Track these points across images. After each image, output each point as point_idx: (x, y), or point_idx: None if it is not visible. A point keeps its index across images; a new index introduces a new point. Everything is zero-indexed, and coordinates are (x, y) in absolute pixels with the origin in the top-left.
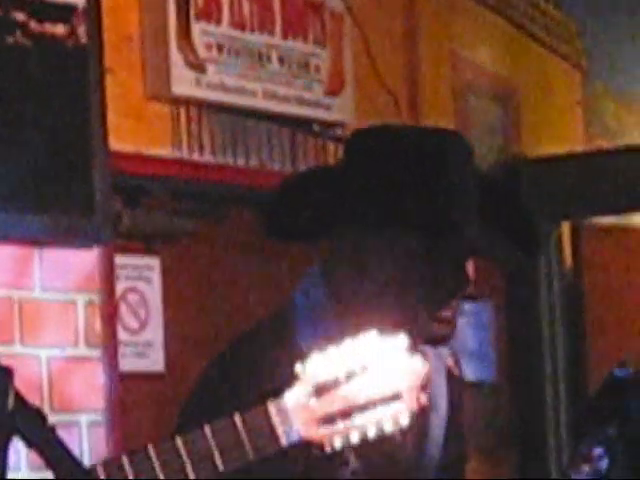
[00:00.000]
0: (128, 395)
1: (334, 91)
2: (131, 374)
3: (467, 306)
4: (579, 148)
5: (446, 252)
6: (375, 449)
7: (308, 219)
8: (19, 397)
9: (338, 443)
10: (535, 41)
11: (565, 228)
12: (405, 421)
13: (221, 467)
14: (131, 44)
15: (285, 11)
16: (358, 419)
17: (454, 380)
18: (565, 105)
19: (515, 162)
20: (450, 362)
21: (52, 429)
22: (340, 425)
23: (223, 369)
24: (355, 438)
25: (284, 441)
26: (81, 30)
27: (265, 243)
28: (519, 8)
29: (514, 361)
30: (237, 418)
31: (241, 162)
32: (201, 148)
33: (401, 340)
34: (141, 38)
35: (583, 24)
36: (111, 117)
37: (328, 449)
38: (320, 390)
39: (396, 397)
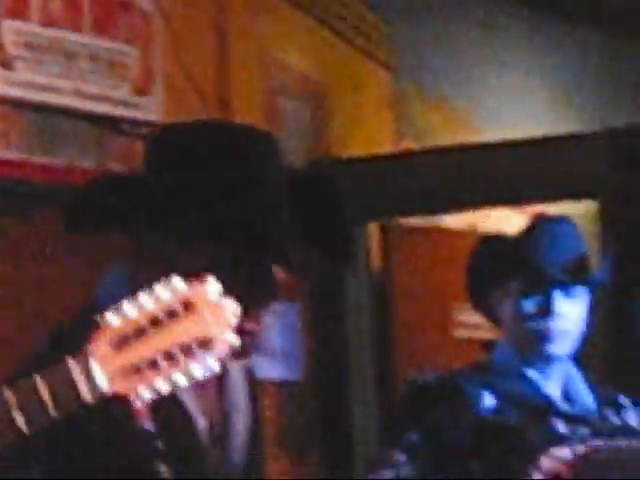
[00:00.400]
0: None
1: (143, 90)
2: None
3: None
4: (388, 149)
5: (252, 263)
6: (182, 455)
7: (110, 218)
8: None
9: (147, 394)
10: (345, 42)
11: (373, 228)
12: (216, 367)
13: (26, 430)
14: None
15: (94, 10)
16: (166, 368)
17: (252, 380)
18: (375, 106)
19: (325, 163)
20: (247, 363)
21: None
22: (148, 375)
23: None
24: (165, 388)
25: (88, 397)
26: None
27: (73, 241)
28: (330, 9)
29: (321, 361)
30: (37, 378)
31: (49, 160)
32: (9, 145)
33: (210, 285)
34: None
35: (393, 25)
36: None
37: (137, 402)
38: (122, 340)
39: (206, 342)
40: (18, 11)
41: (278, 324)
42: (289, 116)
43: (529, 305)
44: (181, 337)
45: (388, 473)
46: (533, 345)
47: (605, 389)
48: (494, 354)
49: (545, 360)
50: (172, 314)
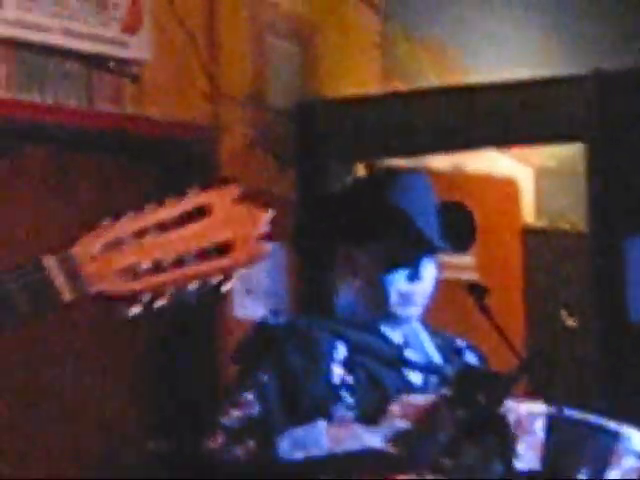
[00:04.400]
0: None
1: (131, 29)
2: None
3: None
4: (376, 90)
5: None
6: None
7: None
8: None
9: (148, 297)
10: None
11: (360, 168)
12: (236, 273)
13: None
14: None
15: None
16: (174, 271)
17: None
18: (363, 46)
19: (312, 102)
20: None
21: None
22: (152, 278)
23: None
24: (171, 291)
25: (67, 295)
26: None
27: (58, 180)
28: None
29: (307, 301)
30: (7, 275)
31: (37, 98)
32: None
33: (228, 188)
34: None
35: None
36: None
37: (138, 305)
38: (119, 242)
39: (226, 247)
40: None
41: (264, 264)
42: (277, 55)
43: (396, 268)
44: (193, 241)
45: (237, 413)
46: (392, 306)
47: (442, 335)
48: (338, 303)
49: (400, 319)
50: (186, 219)
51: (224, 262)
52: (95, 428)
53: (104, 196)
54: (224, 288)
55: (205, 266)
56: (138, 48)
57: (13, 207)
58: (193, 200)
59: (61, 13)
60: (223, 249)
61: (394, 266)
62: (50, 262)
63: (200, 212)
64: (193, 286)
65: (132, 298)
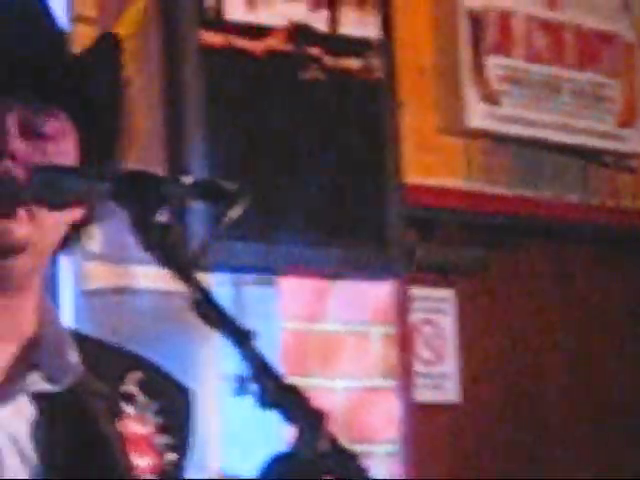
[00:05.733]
0: (423, 426)
1: (626, 122)
2: (426, 405)
3: None
4: None
5: None
6: None
7: None
8: (332, 439)
9: None
10: None
11: None
12: None
13: None
14: (425, 78)
15: (578, 42)
16: None
17: None
18: None
19: None
20: None
21: (364, 470)
22: None
23: None
24: None
25: None
26: (375, 64)
27: (555, 272)
28: None
29: None
30: None
31: (533, 194)
32: (493, 180)
33: None
34: (434, 72)
35: None
36: (404, 150)
37: None
38: None
39: None
40: (503, 47)
41: None
42: None
43: None
44: None
45: None
46: None
47: None
48: None
49: None
50: None
51: None
52: None
53: (599, 288)
54: None
55: None
56: (633, 141)
57: (513, 298)
58: None
59: (557, 109)
60: None
61: None
62: None
63: None
64: None
65: None
